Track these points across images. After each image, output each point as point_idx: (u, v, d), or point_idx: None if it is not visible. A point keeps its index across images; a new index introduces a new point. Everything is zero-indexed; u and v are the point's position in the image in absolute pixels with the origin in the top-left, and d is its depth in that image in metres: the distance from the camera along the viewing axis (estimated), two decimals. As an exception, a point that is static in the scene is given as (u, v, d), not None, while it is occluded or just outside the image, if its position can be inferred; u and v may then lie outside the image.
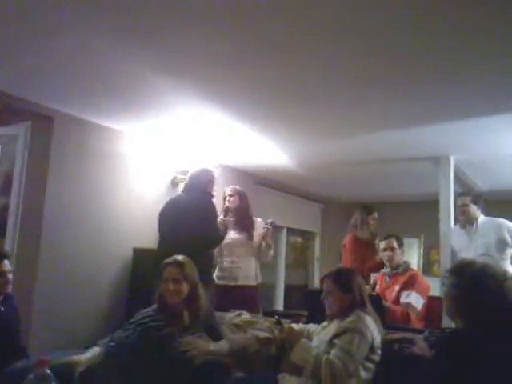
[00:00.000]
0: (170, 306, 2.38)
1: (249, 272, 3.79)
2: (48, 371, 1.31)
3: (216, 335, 2.45)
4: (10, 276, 2.60)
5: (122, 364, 2.22)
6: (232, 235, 3.81)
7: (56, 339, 3.14)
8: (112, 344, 2.28)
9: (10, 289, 2.61)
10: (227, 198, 3.87)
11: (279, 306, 5.95)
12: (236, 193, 3.88)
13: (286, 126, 3.57)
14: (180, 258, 2.48)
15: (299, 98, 2.96)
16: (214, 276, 3.82)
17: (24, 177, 3.32)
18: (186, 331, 2.33)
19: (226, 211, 3.82)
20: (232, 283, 3.74)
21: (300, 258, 6.94)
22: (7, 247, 3.27)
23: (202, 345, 2.30)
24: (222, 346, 2.39)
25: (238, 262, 3.77)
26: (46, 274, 3.21)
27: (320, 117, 3.34)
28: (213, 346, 2.33)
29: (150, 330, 2.31)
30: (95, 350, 2.24)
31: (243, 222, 3.82)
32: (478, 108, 3.05)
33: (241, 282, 3.73)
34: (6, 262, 2.58)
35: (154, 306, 2.44)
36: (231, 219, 3.80)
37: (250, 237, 3.81)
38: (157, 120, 3.54)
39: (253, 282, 3.79)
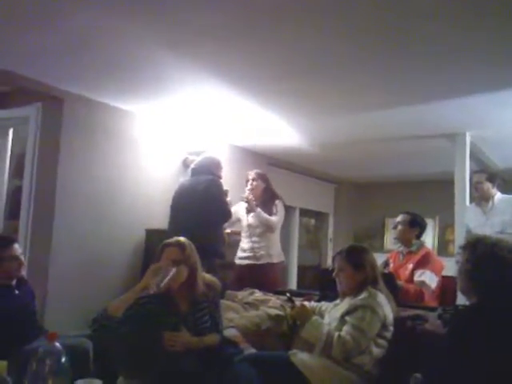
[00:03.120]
0: (169, 289, 2.22)
1: (270, 250, 3.85)
2: (58, 345, 1.32)
3: (214, 317, 2.36)
4: (23, 259, 2.63)
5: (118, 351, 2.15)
6: (252, 216, 3.86)
7: (71, 320, 3.19)
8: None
9: (24, 271, 2.64)
10: (250, 182, 3.92)
11: (292, 286, 5.97)
12: (258, 177, 3.95)
13: (298, 103, 3.52)
14: (181, 239, 2.32)
15: (310, 73, 2.90)
16: (237, 256, 3.96)
17: (36, 158, 3.34)
18: (184, 320, 2.23)
19: (250, 195, 3.88)
20: (254, 262, 3.81)
21: (313, 239, 6.93)
22: (21, 229, 3.31)
23: (182, 340, 2.16)
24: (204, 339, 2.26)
25: (259, 242, 3.84)
26: (60, 255, 3.25)
27: (332, 92, 3.27)
28: (194, 341, 2.19)
29: (149, 315, 2.18)
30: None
31: (266, 204, 3.90)
32: (494, 83, 2.96)
33: (264, 261, 3.81)
34: (16, 245, 2.60)
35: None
36: (254, 202, 3.86)
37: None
38: (167, 100, 3.52)
39: (275, 260, 3.85)
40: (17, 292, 2.58)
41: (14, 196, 3.59)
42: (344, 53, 2.58)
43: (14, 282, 2.59)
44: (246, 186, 3.99)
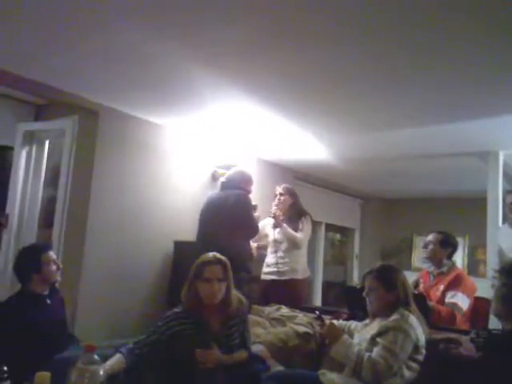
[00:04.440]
0: (203, 307, 2.29)
1: (295, 266, 3.83)
2: (96, 356, 1.34)
3: (243, 334, 2.38)
4: (59, 264, 2.70)
5: (149, 369, 2.18)
6: (278, 231, 3.87)
7: (101, 329, 3.24)
8: (136, 351, 2.20)
9: (59, 277, 2.70)
10: (278, 197, 3.93)
11: (317, 302, 5.92)
12: (287, 192, 3.95)
13: (326, 119, 3.51)
14: (219, 255, 2.35)
15: (338, 89, 2.89)
16: (263, 271, 3.95)
17: (71, 170, 3.42)
18: (215, 337, 2.26)
19: (277, 210, 3.88)
20: (278, 278, 3.79)
21: (338, 255, 6.86)
22: (55, 237, 3.39)
23: (214, 357, 2.20)
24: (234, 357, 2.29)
25: (284, 257, 3.83)
26: (91, 264, 3.31)
27: (360, 109, 3.26)
28: (225, 358, 2.23)
29: (181, 334, 2.23)
30: (117, 357, 2.14)
31: (292, 219, 3.90)
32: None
33: (288, 277, 3.78)
34: (51, 252, 2.68)
35: (183, 307, 2.33)
36: (282, 217, 3.87)
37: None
38: (197, 114, 3.56)
39: (299, 276, 3.82)
40: (48, 302, 2.63)
41: (49, 205, 3.68)
42: (372, 69, 2.56)
43: (47, 292, 2.65)
44: (274, 200, 4.01)
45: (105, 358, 1.47)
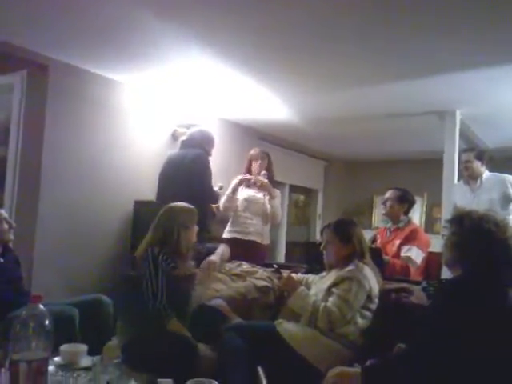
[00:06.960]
0: (180, 252, 2.48)
1: (260, 230, 3.81)
2: (41, 307, 1.30)
3: None
4: (11, 222, 2.63)
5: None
6: (251, 192, 3.83)
7: (59, 286, 3.19)
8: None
9: (12, 236, 2.64)
10: (258, 161, 3.84)
11: (280, 262, 6.00)
12: (266, 156, 3.88)
13: (290, 79, 3.49)
14: None
15: (301, 47, 2.86)
16: (226, 230, 3.88)
17: (21, 127, 3.27)
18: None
19: (250, 173, 3.83)
20: (243, 237, 3.78)
21: (302, 215, 6.95)
22: (7, 198, 3.27)
23: None
24: None
25: (251, 218, 3.80)
26: (46, 225, 3.23)
27: (322, 67, 3.24)
28: None
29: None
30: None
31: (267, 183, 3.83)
32: (486, 58, 2.94)
33: (251, 238, 3.77)
34: (2, 211, 2.61)
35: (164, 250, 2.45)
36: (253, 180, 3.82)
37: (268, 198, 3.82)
38: (157, 70, 3.45)
39: (263, 241, 3.83)
40: (2, 260, 2.58)
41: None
42: (334, 28, 2.55)
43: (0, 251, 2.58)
44: (250, 164, 3.89)
45: (54, 314, 1.43)
